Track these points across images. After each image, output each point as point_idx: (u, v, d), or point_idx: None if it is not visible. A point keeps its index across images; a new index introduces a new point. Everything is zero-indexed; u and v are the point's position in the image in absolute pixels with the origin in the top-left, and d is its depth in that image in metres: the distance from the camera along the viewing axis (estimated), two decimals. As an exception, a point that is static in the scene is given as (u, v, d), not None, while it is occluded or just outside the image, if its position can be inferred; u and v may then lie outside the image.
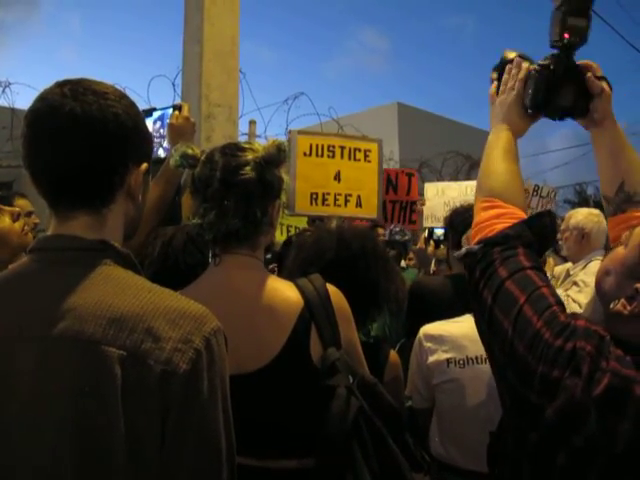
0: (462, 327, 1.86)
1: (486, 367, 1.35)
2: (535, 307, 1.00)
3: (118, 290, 0.88)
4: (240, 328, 1.25)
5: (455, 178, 8.87)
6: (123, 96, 0.98)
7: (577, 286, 3.10)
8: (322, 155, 3.96)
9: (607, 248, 1.24)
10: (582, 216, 3.38)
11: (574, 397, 0.91)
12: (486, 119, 1.38)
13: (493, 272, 1.07)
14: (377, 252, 1.77)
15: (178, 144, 1.42)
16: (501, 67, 1.36)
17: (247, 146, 1.37)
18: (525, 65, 1.29)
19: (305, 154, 3.92)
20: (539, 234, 1.14)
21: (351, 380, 1.28)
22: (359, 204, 4.02)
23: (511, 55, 1.35)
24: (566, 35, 1.21)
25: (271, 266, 2.49)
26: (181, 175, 1.85)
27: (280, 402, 1.28)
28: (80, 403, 0.82)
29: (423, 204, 5.27)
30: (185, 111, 2.01)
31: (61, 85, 0.93)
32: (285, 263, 2.01)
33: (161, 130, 2.60)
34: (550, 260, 3.99)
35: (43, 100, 0.93)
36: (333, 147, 4.00)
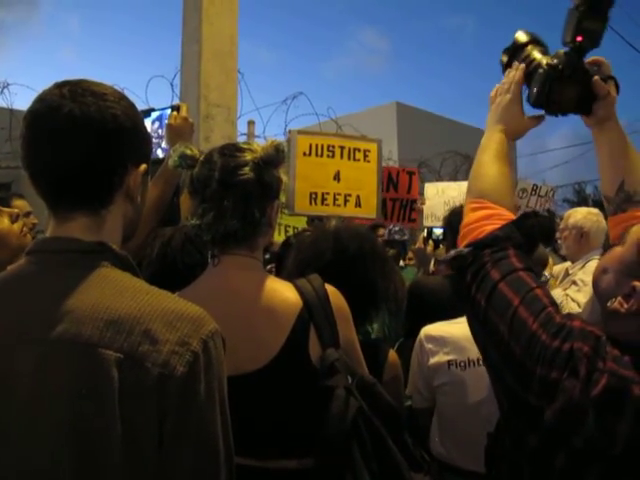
0: (463, 328, 1.84)
1: (486, 368, 1.35)
2: (530, 309, 1.00)
3: (116, 292, 0.88)
4: (239, 329, 1.25)
5: (454, 178, 8.86)
6: (122, 97, 0.98)
7: (576, 285, 3.11)
8: (322, 155, 3.95)
9: (606, 247, 1.24)
10: (581, 215, 3.38)
11: (572, 398, 0.90)
12: (485, 119, 1.37)
13: (485, 275, 1.07)
14: (375, 252, 1.77)
15: (177, 144, 1.42)
16: (512, 49, 1.34)
17: (246, 147, 1.36)
18: (523, 66, 1.28)
19: (305, 154, 3.91)
20: (526, 235, 1.14)
21: (350, 380, 1.28)
22: (358, 204, 4.01)
23: (522, 38, 1.32)
24: (579, 38, 1.19)
25: (269, 266, 2.49)
26: (180, 176, 1.85)
27: (279, 403, 1.28)
28: (77, 405, 0.82)
29: (423, 203, 5.27)
30: (183, 111, 2.00)
31: (60, 86, 0.93)
32: (284, 263, 2.01)
33: (159, 130, 2.60)
34: (549, 259, 3.99)
35: (42, 101, 0.93)
36: (333, 147, 3.99)
